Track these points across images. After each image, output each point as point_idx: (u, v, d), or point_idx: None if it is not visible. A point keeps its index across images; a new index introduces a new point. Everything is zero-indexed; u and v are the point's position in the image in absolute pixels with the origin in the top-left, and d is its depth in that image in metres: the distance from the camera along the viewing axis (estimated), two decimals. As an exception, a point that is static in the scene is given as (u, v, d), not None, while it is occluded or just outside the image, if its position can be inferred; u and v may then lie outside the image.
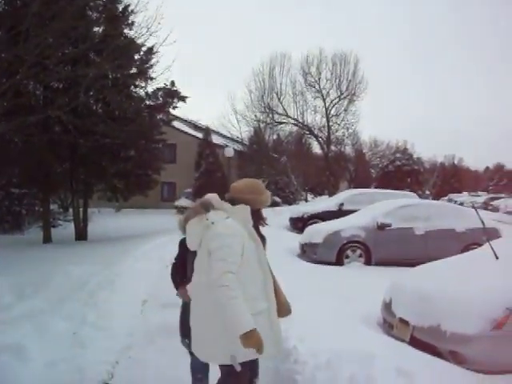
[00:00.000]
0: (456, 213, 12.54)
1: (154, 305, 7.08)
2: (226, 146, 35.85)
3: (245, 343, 2.81)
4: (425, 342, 4.93)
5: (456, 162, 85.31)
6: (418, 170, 41.86)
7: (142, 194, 20.43)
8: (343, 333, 4.76)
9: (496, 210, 39.09)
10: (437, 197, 56.84)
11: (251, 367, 3.23)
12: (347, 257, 11.58)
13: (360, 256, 11.63)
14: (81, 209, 18.75)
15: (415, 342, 5.00)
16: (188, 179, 37.30)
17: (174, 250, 11.96)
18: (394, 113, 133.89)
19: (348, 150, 48.14)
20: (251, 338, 2.80)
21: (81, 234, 18.18)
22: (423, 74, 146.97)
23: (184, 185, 37.42)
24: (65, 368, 4.29)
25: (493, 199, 48.91)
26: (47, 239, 16.76)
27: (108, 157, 17.58)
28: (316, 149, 50.54)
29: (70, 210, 20.64)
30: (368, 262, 11.55)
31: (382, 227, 11.69)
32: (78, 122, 14.45)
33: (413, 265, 11.17)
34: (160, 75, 17.15)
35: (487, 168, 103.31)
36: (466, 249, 11.75)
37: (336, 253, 11.48)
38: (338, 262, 11.44)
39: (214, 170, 36.46)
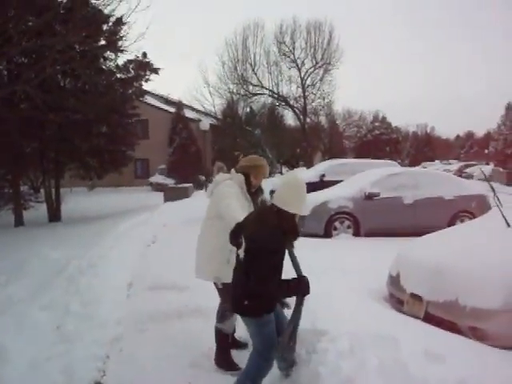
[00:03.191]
0: (444, 180, 12.26)
1: (141, 288, 6.59)
2: (200, 120, 35.07)
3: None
4: (441, 318, 4.57)
5: (428, 131, 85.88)
6: (397, 139, 41.75)
7: (117, 172, 19.78)
8: (356, 312, 4.35)
9: (470, 177, 39.28)
10: (412, 165, 57.01)
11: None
12: (335, 228, 11.22)
13: (348, 227, 11.27)
14: (53, 189, 18.01)
15: (430, 318, 4.64)
16: (162, 155, 36.52)
17: (154, 228, 11.36)
18: (366, 83, 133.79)
19: (322, 120, 47.72)
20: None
21: (54, 215, 17.49)
22: (395, 42, 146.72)
23: (158, 161, 36.66)
24: (50, 368, 3.79)
25: (466, 167, 49.26)
26: (19, 222, 16.05)
27: (79, 133, 16.84)
28: (289, 120, 50.12)
29: (42, 190, 19.85)
30: (357, 234, 11.21)
31: (370, 197, 11.34)
32: (46, 97, 13.70)
33: (402, 235, 11.08)
34: (132, 44, 16.37)
35: (458, 136, 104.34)
36: (456, 217, 11.65)
37: (324, 225, 11.09)
38: (326, 234, 11.08)
39: (188, 145, 35.75)
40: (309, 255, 5.28)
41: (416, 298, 4.94)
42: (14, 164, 16.01)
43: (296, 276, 3.40)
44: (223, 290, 4.13)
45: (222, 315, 4.24)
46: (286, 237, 3.30)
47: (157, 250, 9.49)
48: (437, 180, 12.13)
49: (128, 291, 6.45)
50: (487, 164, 50.76)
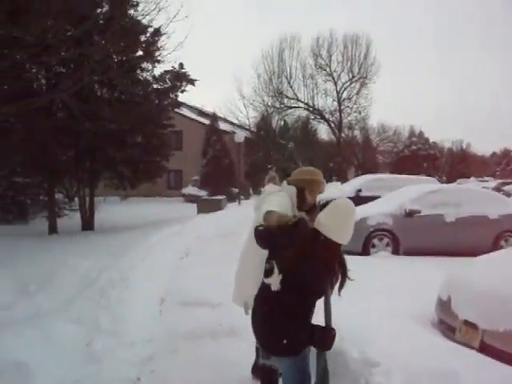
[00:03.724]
0: (487, 198, 11.74)
1: (173, 303, 6.33)
2: (234, 132, 35.00)
3: (265, 218, 3.11)
4: (499, 349, 4.17)
5: (464, 147, 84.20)
6: (435, 155, 40.86)
7: (150, 182, 19.71)
8: (406, 340, 3.99)
9: (508, 194, 38.11)
10: (448, 182, 55.83)
11: None
12: (373, 246, 10.83)
13: (387, 245, 10.87)
14: (87, 198, 18.01)
15: (486, 349, 4.23)
16: (195, 167, 36.51)
17: (187, 240, 11.12)
18: (401, 98, 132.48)
19: (356, 135, 47.18)
20: (271, 215, 3.10)
21: (87, 224, 17.46)
22: (432, 56, 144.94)
23: (191, 172, 36.65)
24: (78, 391, 3.55)
25: (504, 184, 47.89)
26: (53, 230, 16.04)
27: (114, 143, 16.84)
28: (323, 135, 49.71)
29: (76, 199, 19.90)
30: (396, 252, 10.80)
31: (410, 214, 10.91)
32: (82, 106, 13.72)
33: (442, 254, 10.63)
34: (170, 53, 16.26)
35: (494, 153, 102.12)
36: (500, 237, 11.12)
37: (362, 242, 10.71)
38: (364, 251, 10.68)
39: (221, 157, 35.62)
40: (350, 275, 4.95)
41: (470, 325, 4.54)
42: (50, 172, 16.05)
43: (324, 326, 3.04)
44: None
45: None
46: (332, 273, 3.01)
47: (190, 262, 9.25)
48: (480, 197, 11.63)
49: (160, 306, 6.20)
50: (526, 182, 49.25)
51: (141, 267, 7.46)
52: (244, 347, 4.07)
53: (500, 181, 53.71)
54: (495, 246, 11.03)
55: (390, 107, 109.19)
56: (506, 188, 41.75)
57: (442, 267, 8.94)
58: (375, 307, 5.40)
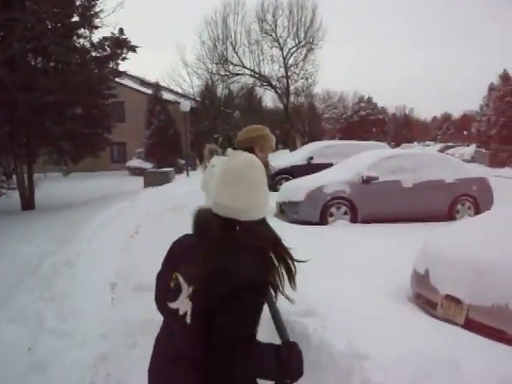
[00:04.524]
0: (443, 163, 11.58)
1: (126, 289, 5.78)
2: (178, 102, 33.97)
3: None
4: (487, 325, 3.87)
5: (407, 113, 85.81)
6: (383, 120, 40.96)
7: (93, 156, 18.77)
8: (391, 324, 3.61)
9: (452, 158, 38.95)
10: (395, 147, 56.72)
11: None
12: (331, 215, 10.49)
13: (345, 213, 10.56)
14: (25, 175, 16.93)
15: (472, 325, 3.93)
16: (139, 138, 35.35)
17: (135, 217, 10.50)
18: (345, 63, 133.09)
19: (302, 101, 46.74)
20: None
21: (27, 203, 16.46)
22: (377, 22, 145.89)
23: (135, 145, 35.51)
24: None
25: (447, 148, 49.11)
26: (-12, 210, 15.04)
27: (52, 116, 15.85)
28: (268, 102, 49.17)
29: (14, 176, 18.76)
30: (354, 220, 10.51)
31: (367, 181, 10.62)
32: (14, 76, 12.68)
33: (400, 221, 10.45)
34: (110, 15, 15.25)
35: (435, 118, 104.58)
36: (457, 201, 11.03)
37: (320, 211, 10.36)
38: (322, 221, 10.35)
39: (166, 128, 34.60)
40: (308, 247, 4.55)
41: (453, 300, 4.22)
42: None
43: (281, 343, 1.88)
44: None
45: None
46: (271, 265, 1.88)
47: (141, 241, 8.64)
48: (436, 162, 11.47)
49: (112, 293, 5.62)
50: (467, 145, 50.61)
51: (87, 250, 6.83)
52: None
53: (442, 145, 55.02)
54: (452, 211, 10.98)
55: (334, 74, 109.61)
56: (450, 151, 42.72)
57: (404, 235, 8.80)
58: (348, 286, 5.01)
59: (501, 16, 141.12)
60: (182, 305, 1.81)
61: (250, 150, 3.28)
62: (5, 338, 3.92)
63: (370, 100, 41.30)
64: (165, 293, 1.92)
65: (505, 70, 39.65)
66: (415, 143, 70.17)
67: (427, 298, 4.65)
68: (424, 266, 4.77)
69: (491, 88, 41.83)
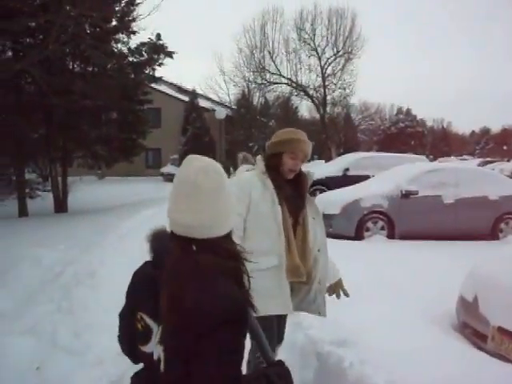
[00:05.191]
0: (487, 178, 11.04)
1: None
2: (214, 109, 33.95)
3: None
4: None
5: (445, 126, 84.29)
6: (422, 133, 39.99)
7: (127, 161, 18.73)
8: (436, 361, 3.22)
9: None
10: (433, 160, 55.52)
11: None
12: (368, 230, 10.07)
13: (382, 229, 10.12)
14: (59, 178, 16.97)
15: (528, 364, 3.51)
16: (174, 145, 35.44)
17: (167, 224, 10.30)
18: (382, 75, 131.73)
19: (338, 112, 46.18)
20: None
21: (60, 206, 16.46)
22: (417, 34, 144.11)
23: (170, 151, 35.55)
24: None
25: (487, 163, 47.71)
26: (23, 212, 15.03)
27: (88, 120, 15.84)
28: (304, 112, 48.77)
29: (49, 179, 18.85)
30: (391, 236, 10.06)
31: (406, 195, 10.17)
32: (52, 79, 12.70)
33: (440, 238, 9.95)
34: (146, 17, 15.17)
35: (473, 132, 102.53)
36: (500, 219, 10.47)
37: (356, 225, 9.95)
38: (358, 235, 9.94)
39: (201, 135, 34.59)
40: (347, 263, 4.19)
41: (506, 334, 3.80)
42: (18, 151, 14.97)
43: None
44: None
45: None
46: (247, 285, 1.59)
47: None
48: (479, 177, 10.92)
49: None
50: (508, 161, 49.11)
51: (111, 259, 6.56)
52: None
53: (482, 159, 53.53)
54: (495, 229, 10.44)
55: (371, 85, 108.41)
56: (489, 166, 41.46)
57: (447, 253, 8.32)
58: (386, 310, 4.61)
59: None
60: (156, 349, 1.49)
61: (278, 156, 2.97)
62: (14, 351, 3.65)
63: (408, 112, 40.30)
64: (132, 335, 1.59)
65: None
66: (452, 157, 68.72)
67: (475, 329, 4.23)
68: (472, 293, 4.34)
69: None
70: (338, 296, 3.13)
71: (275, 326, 3.02)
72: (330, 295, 3.13)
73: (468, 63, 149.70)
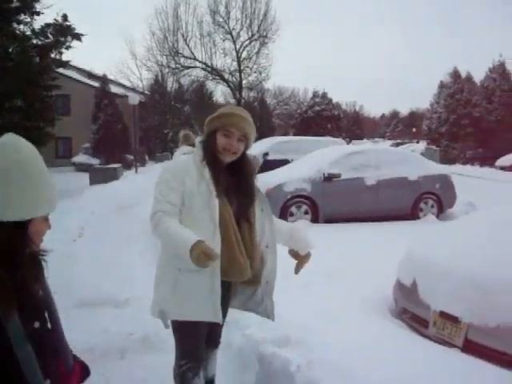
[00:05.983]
0: (406, 159, 11.18)
1: (67, 305, 4.93)
2: (126, 95, 32.77)
3: (195, 262, 2.25)
4: (492, 348, 3.34)
5: (357, 109, 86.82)
6: (338, 116, 40.53)
7: (35, 151, 17.58)
8: (391, 353, 3.01)
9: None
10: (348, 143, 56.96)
11: (209, 334, 2.76)
12: (291, 214, 9.92)
13: (306, 213, 10.01)
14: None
15: (473, 348, 3.40)
16: (85, 133, 33.87)
17: (80, 217, 9.50)
18: (295, 59, 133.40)
19: (254, 96, 46.12)
20: (198, 254, 2.22)
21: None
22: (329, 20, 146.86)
23: (81, 140, 33.97)
24: None
25: (398, 144, 49.69)
26: None
27: (-11, 107, 14.67)
28: (219, 98, 48.35)
29: None
30: (315, 219, 9.99)
31: (329, 178, 10.11)
32: None
33: (363, 220, 10.00)
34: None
35: (383, 115, 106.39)
36: (420, 199, 10.66)
37: (279, 211, 9.75)
38: (282, 221, 9.75)
39: (113, 122, 33.32)
40: None
41: (448, 318, 3.67)
42: None
43: None
44: (174, 332, 2.69)
45: (181, 378, 2.68)
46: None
47: (85, 246, 7.78)
48: (400, 159, 11.04)
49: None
50: (417, 142, 51.32)
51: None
52: (163, 368, 2.81)
53: (393, 141, 55.66)
54: (415, 209, 10.62)
55: (285, 69, 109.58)
56: (400, 148, 43.05)
57: (372, 235, 8.33)
58: (324, 300, 4.41)
59: (448, 17, 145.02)
60: None
61: (213, 135, 2.61)
62: None
63: (325, 95, 40.72)
64: None
65: (455, 68, 40.24)
66: (365, 140, 70.99)
67: (415, 314, 4.10)
68: (410, 277, 4.20)
69: (442, 86, 42.34)
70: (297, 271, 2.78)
71: (203, 332, 2.71)
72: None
73: (380, 52, 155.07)
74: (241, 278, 2.60)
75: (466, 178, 18.92)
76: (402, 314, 4.33)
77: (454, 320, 3.60)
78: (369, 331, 3.49)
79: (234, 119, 2.59)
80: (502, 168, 27.34)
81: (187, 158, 2.63)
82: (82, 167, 30.23)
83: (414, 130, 66.04)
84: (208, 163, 2.56)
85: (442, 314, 3.73)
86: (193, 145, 2.77)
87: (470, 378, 2.74)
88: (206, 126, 2.66)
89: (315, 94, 41.46)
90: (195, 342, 2.70)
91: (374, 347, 3.05)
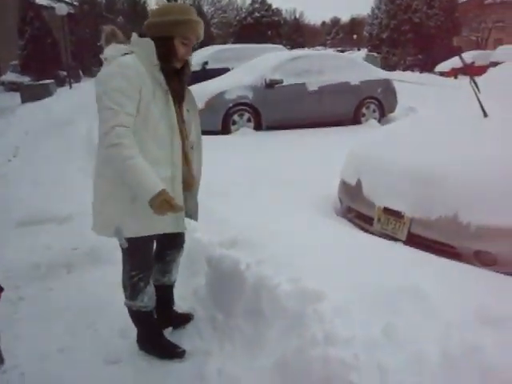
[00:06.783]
0: (348, 64, 11.02)
1: (6, 225, 4.79)
2: (53, 7, 30.73)
3: (156, 210, 2.24)
4: (432, 239, 3.45)
5: (297, 16, 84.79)
6: (279, 22, 39.49)
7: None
8: (335, 250, 3.04)
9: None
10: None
11: (174, 237, 2.71)
12: (234, 123, 9.77)
13: (248, 121, 9.89)
14: None
15: (416, 241, 3.51)
16: (13, 50, 31.83)
17: (13, 137, 9.11)
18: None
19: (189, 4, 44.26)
20: (161, 202, 2.22)
21: None
22: None
23: (9, 57, 31.96)
24: None
25: (340, 52, 49.24)
26: None
27: None
28: (154, 6, 46.22)
29: None
30: (258, 127, 9.90)
31: (271, 85, 9.93)
32: None
33: (306, 126, 9.99)
34: None
35: (324, 22, 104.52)
36: (362, 104, 10.70)
37: (221, 119, 9.59)
38: (224, 129, 9.60)
39: (42, 37, 31.32)
40: (214, 160, 3.88)
41: (392, 213, 3.74)
42: None
43: None
44: (129, 249, 2.56)
45: (133, 288, 2.63)
46: None
47: (21, 166, 7.47)
48: (341, 64, 10.87)
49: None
50: (359, 50, 51.01)
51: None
52: (116, 276, 2.76)
53: (334, 49, 55.00)
54: (357, 114, 10.68)
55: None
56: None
57: (316, 140, 8.36)
58: (270, 203, 4.41)
59: None
60: None
61: (168, 40, 2.38)
62: None
63: (264, 1, 39.34)
64: None
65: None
66: (306, 49, 69.99)
67: (360, 212, 4.16)
68: (354, 176, 4.23)
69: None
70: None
71: (151, 246, 2.68)
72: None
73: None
74: (190, 188, 2.63)
75: (407, 83, 19.05)
76: (347, 213, 4.40)
77: (398, 215, 3.68)
78: (315, 230, 3.52)
79: (194, 26, 2.41)
80: (442, 74, 27.72)
81: (133, 61, 2.34)
82: (12, 86, 28.65)
83: (354, 37, 65.52)
84: (163, 70, 2.39)
85: (386, 210, 3.80)
86: (121, 43, 2.53)
87: (411, 264, 2.81)
88: (159, 27, 2.40)
89: (254, 0, 40.08)
90: (148, 252, 2.66)
91: (321, 245, 3.08)
